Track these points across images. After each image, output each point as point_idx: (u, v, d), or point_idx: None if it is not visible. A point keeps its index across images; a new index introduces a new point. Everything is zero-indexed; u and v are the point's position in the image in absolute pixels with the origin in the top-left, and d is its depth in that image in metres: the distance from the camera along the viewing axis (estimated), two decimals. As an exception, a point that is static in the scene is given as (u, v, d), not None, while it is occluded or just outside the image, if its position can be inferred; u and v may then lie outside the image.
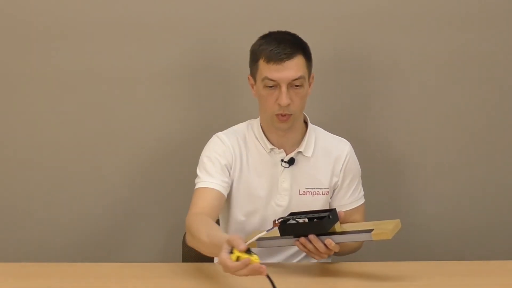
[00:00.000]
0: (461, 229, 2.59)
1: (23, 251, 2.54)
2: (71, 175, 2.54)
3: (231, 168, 2.03)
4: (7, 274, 1.87)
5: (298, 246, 1.85)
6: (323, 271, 1.91)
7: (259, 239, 1.83)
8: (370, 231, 1.77)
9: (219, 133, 2.09)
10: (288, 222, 1.83)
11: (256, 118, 2.10)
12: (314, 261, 2.10)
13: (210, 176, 2.01)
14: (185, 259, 2.25)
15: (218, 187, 1.99)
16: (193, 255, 2.25)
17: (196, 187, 2.02)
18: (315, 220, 1.82)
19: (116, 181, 2.54)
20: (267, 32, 2.02)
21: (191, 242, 1.90)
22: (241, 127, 2.12)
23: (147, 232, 2.57)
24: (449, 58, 2.52)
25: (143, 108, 2.52)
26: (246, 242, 1.82)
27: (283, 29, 2.02)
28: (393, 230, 1.77)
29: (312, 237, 1.79)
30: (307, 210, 1.91)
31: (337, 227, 1.83)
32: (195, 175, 2.51)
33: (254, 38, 2.16)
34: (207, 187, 1.99)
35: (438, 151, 2.57)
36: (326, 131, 2.14)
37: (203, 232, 1.79)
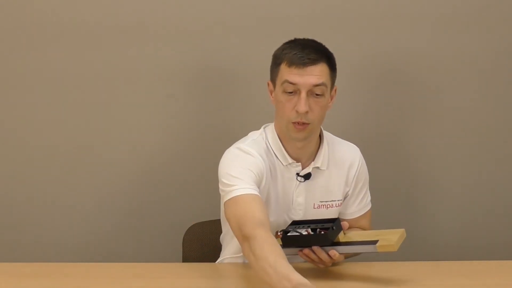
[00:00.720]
0: (461, 229, 2.59)
1: (23, 251, 2.54)
2: (71, 176, 2.53)
3: (261, 182, 1.89)
4: (7, 274, 1.87)
5: (301, 256, 1.82)
6: (323, 271, 1.91)
7: (284, 238, 1.82)
8: (375, 242, 1.74)
9: (240, 145, 1.93)
10: (290, 234, 1.81)
11: (264, 123, 2.04)
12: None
13: (247, 183, 1.83)
14: (185, 259, 2.25)
15: (259, 194, 1.84)
16: (193, 255, 2.25)
17: (232, 195, 1.81)
18: (318, 231, 1.79)
19: (116, 181, 2.54)
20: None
21: (249, 257, 1.69)
22: (258, 137, 1.98)
23: (147, 232, 2.57)
24: (459, 61, 2.51)
25: (143, 108, 2.51)
26: None
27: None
28: (399, 242, 1.73)
29: (316, 248, 1.77)
30: (309, 219, 1.89)
31: (341, 236, 1.81)
32: (195, 175, 2.53)
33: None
34: (250, 194, 1.80)
35: (440, 152, 2.57)
36: (334, 137, 2.06)
37: (270, 254, 1.63)
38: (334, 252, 1.76)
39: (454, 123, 2.56)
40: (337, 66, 1.93)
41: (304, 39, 1.91)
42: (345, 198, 2.04)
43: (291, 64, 1.83)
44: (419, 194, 2.58)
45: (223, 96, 2.52)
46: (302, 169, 1.96)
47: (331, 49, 1.91)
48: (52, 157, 2.52)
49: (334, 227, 1.78)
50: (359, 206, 2.07)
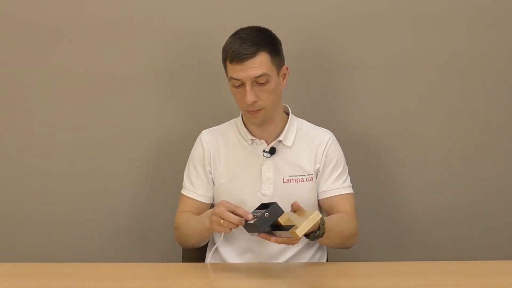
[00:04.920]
0: (461, 229, 2.58)
1: (23, 252, 2.54)
2: (71, 176, 2.54)
3: (211, 167, 2.11)
4: (7, 274, 1.87)
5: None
6: (321, 271, 1.91)
7: (245, 225, 1.84)
8: (289, 227, 1.71)
9: (203, 131, 2.18)
10: (249, 222, 1.82)
11: None
12: (308, 260, 2.11)
13: (193, 185, 2.12)
14: (185, 259, 2.25)
15: (199, 198, 2.11)
16: (193, 255, 2.25)
17: (182, 190, 2.15)
18: (255, 219, 1.78)
19: (116, 182, 2.54)
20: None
21: (179, 237, 2.08)
22: (226, 124, 2.19)
23: (147, 232, 2.57)
24: (434, 55, 2.51)
25: (143, 108, 2.52)
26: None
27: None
28: (304, 227, 1.66)
29: (262, 234, 1.78)
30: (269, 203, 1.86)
31: (283, 219, 1.78)
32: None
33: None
34: (190, 197, 2.12)
35: (438, 151, 2.56)
36: (309, 123, 2.17)
37: (188, 216, 2.06)
38: (275, 238, 1.76)
39: (448, 120, 2.55)
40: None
41: (245, 30, 2.01)
42: (317, 175, 2.10)
43: (232, 61, 1.96)
44: (418, 194, 2.58)
45: (223, 96, 2.52)
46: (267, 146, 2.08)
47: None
48: (51, 158, 2.53)
49: (266, 214, 1.76)
50: (334, 185, 2.10)
